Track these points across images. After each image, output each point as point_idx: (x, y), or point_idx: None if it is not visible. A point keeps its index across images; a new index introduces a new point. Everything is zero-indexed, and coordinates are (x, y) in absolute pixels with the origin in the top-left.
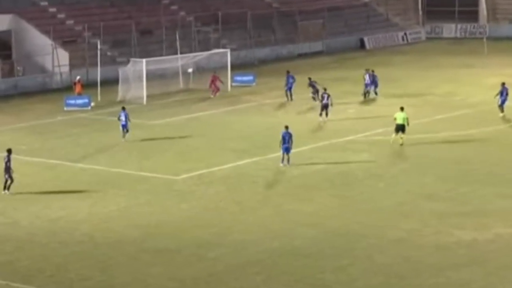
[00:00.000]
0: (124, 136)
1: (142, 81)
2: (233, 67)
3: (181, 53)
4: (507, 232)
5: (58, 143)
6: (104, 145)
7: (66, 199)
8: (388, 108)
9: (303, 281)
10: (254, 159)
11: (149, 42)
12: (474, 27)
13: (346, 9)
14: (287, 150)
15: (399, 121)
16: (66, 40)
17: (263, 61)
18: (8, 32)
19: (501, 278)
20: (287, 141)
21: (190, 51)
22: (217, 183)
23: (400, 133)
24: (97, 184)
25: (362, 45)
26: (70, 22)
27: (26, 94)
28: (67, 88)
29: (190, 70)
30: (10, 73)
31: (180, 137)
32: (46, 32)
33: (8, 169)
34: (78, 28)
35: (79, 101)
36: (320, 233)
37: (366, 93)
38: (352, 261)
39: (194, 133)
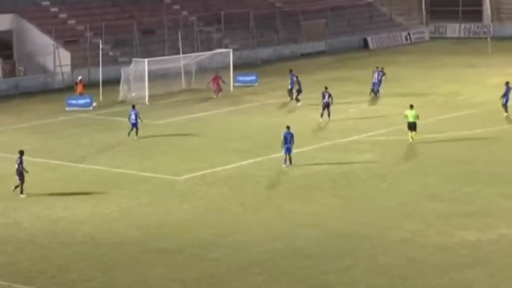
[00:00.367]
0: (136, 134)
1: (144, 81)
2: (235, 67)
3: (183, 53)
4: (511, 232)
5: (60, 143)
6: (105, 145)
7: (67, 200)
8: (392, 108)
9: (305, 282)
10: (257, 159)
11: (151, 42)
12: (478, 27)
13: (349, 8)
14: (288, 150)
15: (410, 119)
16: (67, 40)
17: (266, 61)
18: (9, 32)
19: (505, 279)
20: (288, 141)
21: (192, 51)
22: (219, 183)
23: (412, 131)
24: (98, 185)
25: (365, 45)
26: (71, 21)
27: (28, 94)
28: (69, 88)
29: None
30: (12, 73)
31: (182, 137)
32: (47, 32)
33: (21, 173)
34: (80, 28)
35: (81, 101)
36: (322, 233)
37: (376, 92)
38: (354, 262)
39: (196, 133)
